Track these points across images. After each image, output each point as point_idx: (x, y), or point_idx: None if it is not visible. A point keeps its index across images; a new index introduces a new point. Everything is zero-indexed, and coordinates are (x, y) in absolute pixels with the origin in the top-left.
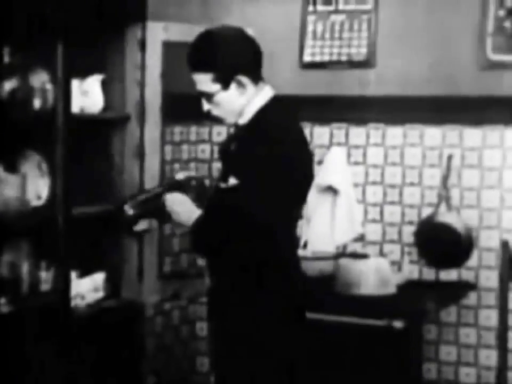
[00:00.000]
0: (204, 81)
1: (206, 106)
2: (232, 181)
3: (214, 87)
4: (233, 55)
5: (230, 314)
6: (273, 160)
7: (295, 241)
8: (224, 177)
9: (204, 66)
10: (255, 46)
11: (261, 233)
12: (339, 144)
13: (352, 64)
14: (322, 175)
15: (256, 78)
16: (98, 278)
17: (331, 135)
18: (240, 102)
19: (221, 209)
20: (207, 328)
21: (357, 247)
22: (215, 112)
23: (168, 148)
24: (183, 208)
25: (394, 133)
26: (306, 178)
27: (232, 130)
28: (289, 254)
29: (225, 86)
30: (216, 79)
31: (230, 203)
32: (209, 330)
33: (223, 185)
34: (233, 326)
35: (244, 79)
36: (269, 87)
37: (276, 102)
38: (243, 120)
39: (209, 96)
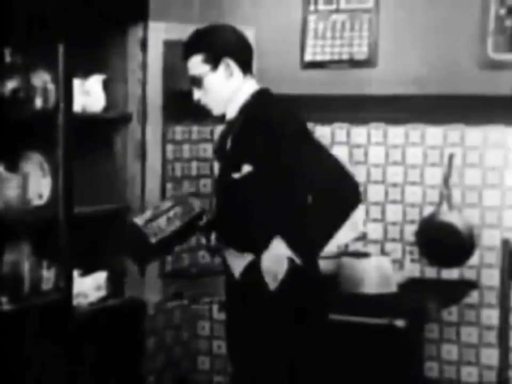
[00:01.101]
0: (195, 63)
1: (196, 94)
2: (247, 168)
3: (204, 68)
4: (222, 38)
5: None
6: (274, 141)
7: None
8: (232, 169)
9: (196, 48)
10: (245, 39)
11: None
12: (340, 143)
13: (354, 63)
14: None
15: (244, 68)
16: (100, 276)
17: (333, 135)
18: (227, 88)
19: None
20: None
21: (359, 246)
22: (204, 99)
23: (169, 147)
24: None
25: (396, 132)
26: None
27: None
28: None
29: (214, 66)
30: (206, 60)
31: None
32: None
33: (236, 175)
34: (243, 323)
35: (232, 63)
36: (255, 80)
37: (262, 93)
38: (230, 113)
39: (199, 81)
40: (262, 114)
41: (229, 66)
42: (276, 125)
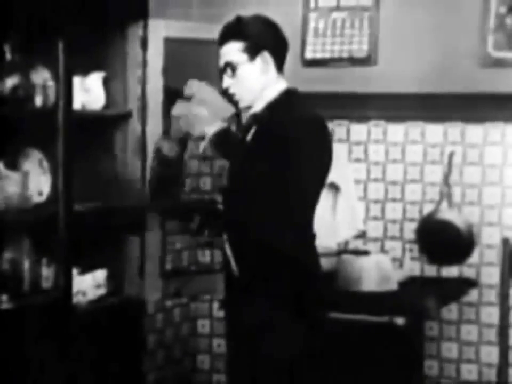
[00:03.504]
0: (233, 50)
1: (226, 82)
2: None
3: (241, 57)
4: (265, 30)
5: (243, 307)
6: (295, 151)
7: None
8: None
9: (236, 35)
10: (284, 37)
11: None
12: (340, 141)
13: (354, 61)
14: None
15: (279, 65)
16: (100, 274)
17: (333, 132)
18: (260, 81)
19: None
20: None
21: (358, 244)
22: (234, 89)
23: None
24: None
25: (396, 130)
26: (325, 167)
27: (235, 124)
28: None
29: (252, 57)
30: (245, 49)
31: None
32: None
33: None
34: (245, 320)
35: (269, 58)
36: (284, 79)
37: (290, 94)
38: (257, 108)
39: (233, 68)
40: (282, 122)
41: (266, 60)
42: (290, 140)
